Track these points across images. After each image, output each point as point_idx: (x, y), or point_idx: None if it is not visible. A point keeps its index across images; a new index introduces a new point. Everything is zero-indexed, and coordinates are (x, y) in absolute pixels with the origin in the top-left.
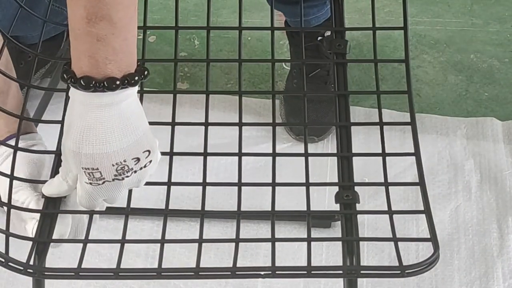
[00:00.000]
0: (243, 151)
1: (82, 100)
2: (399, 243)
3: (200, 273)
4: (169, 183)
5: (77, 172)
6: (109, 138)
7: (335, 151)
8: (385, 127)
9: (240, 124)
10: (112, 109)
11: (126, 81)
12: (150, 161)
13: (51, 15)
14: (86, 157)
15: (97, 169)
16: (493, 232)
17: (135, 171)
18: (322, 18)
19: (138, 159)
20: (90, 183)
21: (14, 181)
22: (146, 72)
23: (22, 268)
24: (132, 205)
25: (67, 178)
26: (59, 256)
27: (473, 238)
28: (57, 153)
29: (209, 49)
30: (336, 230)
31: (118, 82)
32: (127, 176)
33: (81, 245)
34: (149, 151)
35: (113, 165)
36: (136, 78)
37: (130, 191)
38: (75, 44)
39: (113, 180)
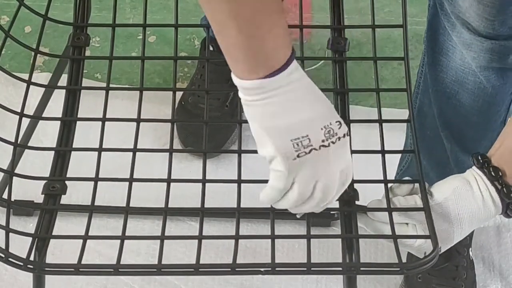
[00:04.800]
0: (246, 146)
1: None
2: None
3: (200, 270)
4: (168, 180)
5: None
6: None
7: None
8: (384, 126)
9: (240, 122)
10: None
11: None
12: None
13: None
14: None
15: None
16: (490, 230)
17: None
18: None
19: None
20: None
21: None
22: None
23: (22, 263)
24: (131, 205)
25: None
26: (58, 256)
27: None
28: (57, 150)
29: (209, 48)
30: (335, 229)
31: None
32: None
33: (80, 244)
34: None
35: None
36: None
37: (130, 189)
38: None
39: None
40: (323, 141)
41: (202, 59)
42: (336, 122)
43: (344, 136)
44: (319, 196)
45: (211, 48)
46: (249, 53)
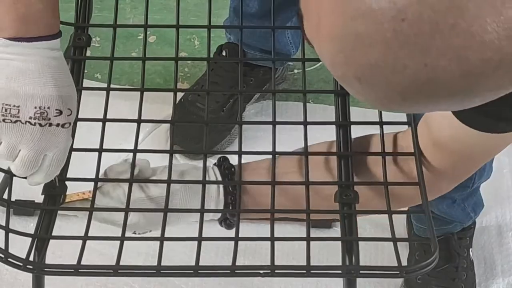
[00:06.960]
0: (243, 149)
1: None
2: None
3: (199, 271)
4: (168, 181)
5: None
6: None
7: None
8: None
9: (241, 123)
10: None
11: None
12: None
13: None
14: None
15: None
16: (492, 230)
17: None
18: None
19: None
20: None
21: None
22: None
23: (21, 264)
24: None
25: None
26: (60, 255)
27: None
28: None
29: (210, 48)
30: (336, 230)
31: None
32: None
33: (80, 244)
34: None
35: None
36: None
37: (130, 190)
38: None
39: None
40: (30, 118)
41: (205, 60)
42: (56, 110)
43: (58, 125)
44: (18, 164)
45: (223, 53)
46: (17, 12)
